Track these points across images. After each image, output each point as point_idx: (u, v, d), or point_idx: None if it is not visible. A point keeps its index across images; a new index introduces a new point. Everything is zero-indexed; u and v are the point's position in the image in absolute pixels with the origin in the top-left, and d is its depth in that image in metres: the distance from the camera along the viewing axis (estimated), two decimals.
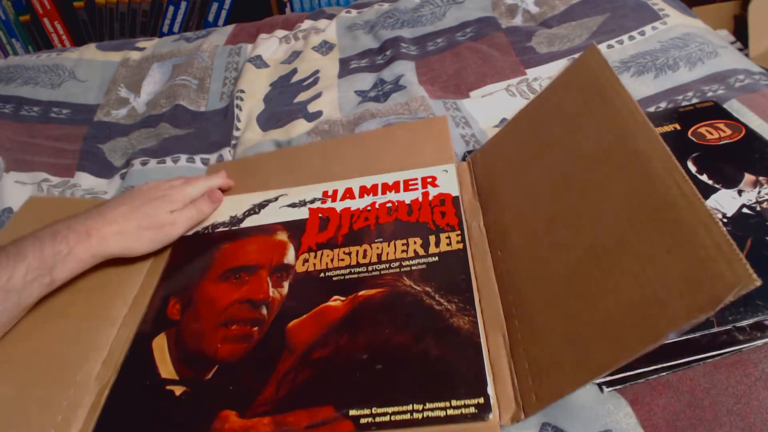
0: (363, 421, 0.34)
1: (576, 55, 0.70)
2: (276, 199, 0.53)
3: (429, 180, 0.51)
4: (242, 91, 0.74)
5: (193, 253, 0.49)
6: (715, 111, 0.54)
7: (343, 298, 0.42)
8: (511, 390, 0.34)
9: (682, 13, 0.74)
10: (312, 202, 0.52)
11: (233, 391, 0.37)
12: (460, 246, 0.44)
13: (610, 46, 0.70)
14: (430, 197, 0.49)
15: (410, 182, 0.52)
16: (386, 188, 0.51)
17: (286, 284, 0.44)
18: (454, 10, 0.85)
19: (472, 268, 0.42)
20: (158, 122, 0.72)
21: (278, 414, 0.35)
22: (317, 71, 0.77)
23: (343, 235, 0.47)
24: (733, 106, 0.56)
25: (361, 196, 0.51)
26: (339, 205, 0.51)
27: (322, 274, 0.44)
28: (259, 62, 0.81)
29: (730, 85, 0.60)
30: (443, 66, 0.74)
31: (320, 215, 0.50)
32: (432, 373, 0.35)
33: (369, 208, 0.50)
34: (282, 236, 0.49)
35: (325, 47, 0.83)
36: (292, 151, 0.61)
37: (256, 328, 0.41)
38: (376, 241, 0.46)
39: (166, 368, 0.40)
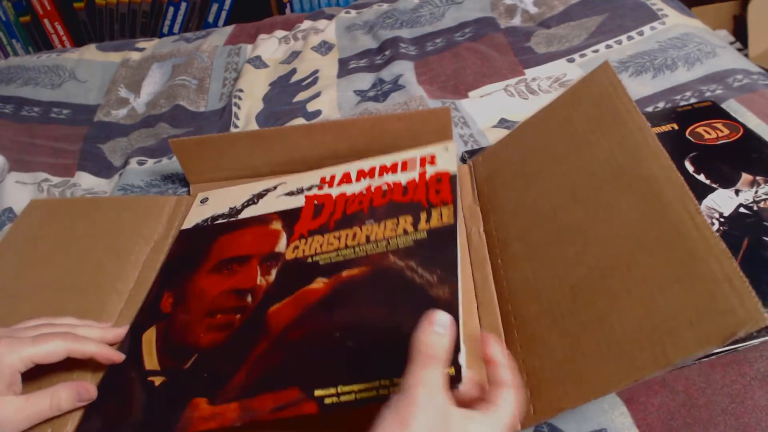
0: (327, 401, 0.33)
1: (575, 55, 0.70)
2: (275, 188, 0.53)
3: (428, 159, 0.50)
4: (241, 91, 0.74)
5: (191, 246, 0.49)
6: (713, 111, 0.54)
7: (326, 280, 0.41)
8: None
9: (681, 14, 0.74)
10: (309, 189, 0.51)
11: (207, 378, 0.37)
12: (451, 221, 0.42)
13: (608, 47, 0.70)
14: (428, 176, 0.48)
15: (409, 162, 0.50)
16: (384, 170, 0.50)
17: (274, 272, 0.44)
18: (453, 11, 0.85)
19: (469, 263, 0.42)
20: (157, 122, 0.72)
21: (245, 399, 0.35)
22: (316, 71, 0.78)
23: (335, 221, 0.47)
24: (732, 106, 0.56)
25: (357, 180, 0.50)
26: (335, 191, 0.50)
27: (309, 260, 0.44)
28: (258, 63, 0.81)
29: (729, 85, 0.60)
30: (442, 66, 0.74)
31: (315, 202, 0.50)
32: (403, 346, 0.32)
33: (364, 191, 0.49)
34: (276, 225, 0.48)
35: (324, 47, 0.83)
36: (272, 135, 0.56)
37: (238, 316, 0.41)
38: (366, 222, 0.45)
39: (150, 360, 0.40)
